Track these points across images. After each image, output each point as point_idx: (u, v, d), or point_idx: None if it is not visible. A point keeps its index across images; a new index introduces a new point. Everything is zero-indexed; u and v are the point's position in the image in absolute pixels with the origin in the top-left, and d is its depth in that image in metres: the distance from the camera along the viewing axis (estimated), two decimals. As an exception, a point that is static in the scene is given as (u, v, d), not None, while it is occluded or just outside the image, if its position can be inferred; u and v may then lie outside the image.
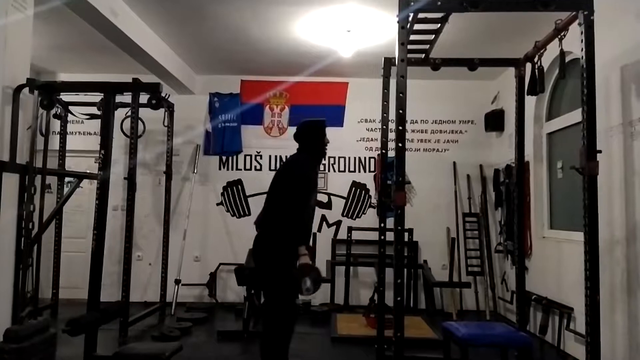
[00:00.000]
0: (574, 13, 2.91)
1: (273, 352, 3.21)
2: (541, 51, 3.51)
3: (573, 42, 3.03)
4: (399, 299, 2.81)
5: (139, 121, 5.07)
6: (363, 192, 6.48)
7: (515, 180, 4.06)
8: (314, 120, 3.54)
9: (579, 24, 2.82)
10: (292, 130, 6.48)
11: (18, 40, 3.41)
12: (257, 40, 5.20)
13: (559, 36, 3.18)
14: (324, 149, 3.44)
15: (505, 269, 5.92)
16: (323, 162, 3.40)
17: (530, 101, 4.64)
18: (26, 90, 3.55)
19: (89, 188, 6.05)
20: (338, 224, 6.44)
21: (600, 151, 2.79)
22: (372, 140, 6.44)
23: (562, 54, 3.20)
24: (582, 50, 2.80)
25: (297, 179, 3.23)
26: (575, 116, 4.24)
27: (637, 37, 3.41)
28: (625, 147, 3.52)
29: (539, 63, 3.54)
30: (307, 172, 3.30)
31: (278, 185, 3.32)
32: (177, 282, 5.87)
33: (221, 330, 4.86)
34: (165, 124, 5.81)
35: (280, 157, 6.44)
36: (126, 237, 4.93)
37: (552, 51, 3.44)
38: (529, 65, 3.69)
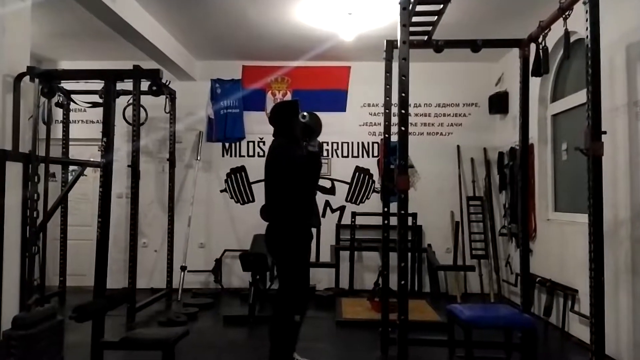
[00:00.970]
0: (578, -8, 2.86)
1: (283, 338, 3.26)
2: (545, 31, 3.46)
3: (577, 22, 2.99)
4: (403, 282, 2.83)
5: (141, 108, 5.06)
6: (367, 177, 6.47)
7: (519, 162, 4.04)
8: (285, 101, 3.59)
9: (584, 3, 2.77)
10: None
11: (17, 28, 3.40)
12: (257, 25, 5.15)
13: (564, 16, 3.12)
14: (298, 129, 3.43)
15: (509, 251, 5.92)
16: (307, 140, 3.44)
17: (534, 83, 4.59)
18: (27, 78, 3.54)
19: (93, 176, 6.07)
20: (342, 209, 6.44)
21: (605, 132, 2.77)
22: (375, 124, 6.41)
23: (567, 33, 3.15)
24: (586, 29, 2.76)
25: (282, 165, 3.29)
26: (580, 97, 4.19)
27: (643, 15, 3.36)
28: (630, 128, 3.49)
29: (543, 43, 3.49)
30: (288, 154, 3.32)
31: (268, 176, 3.38)
32: (183, 268, 5.92)
33: (227, 315, 4.91)
34: (167, 110, 5.79)
35: (283, 142, 6.43)
36: (131, 224, 4.96)
37: (556, 31, 3.38)
38: (533, 46, 3.63)
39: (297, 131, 3.41)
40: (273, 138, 3.49)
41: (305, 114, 3.41)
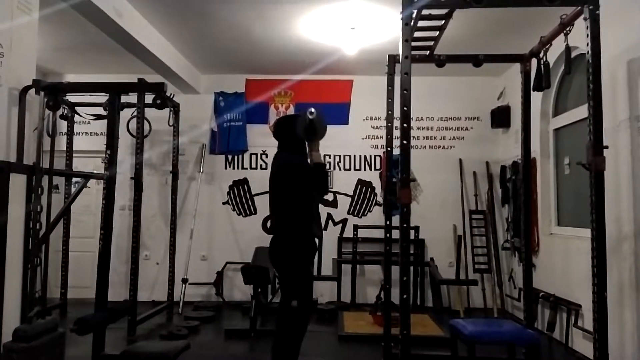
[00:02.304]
0: (579, 7, 2.89)
1: (286, 352, 3.25)
2: (546, 46, 3.49)
3: (579, 37, 3.01)
4: (405, 296, 2.81)
5: (145, 121, 5.09)
6: (369, 190, 6.47)
7: (522, 176, 4.04)
8: (288, 115, 3.63)
9: (585, 19, 2.80)
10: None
11: (23, 42, 3.44)
12: (261, 39, 5.21)
13: (565, 31, 3.15)
14: (303, 140, 3.47)
15: (512, 266, 5.89)
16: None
17: (536, 97, 4.61)
18: (32, 91, 3.57)
19: (96, 188, 6.09)
20: (344, 222, 6.43)
21: (607, 147, 2.77)
22: (377, 138, 6.43)
23: (568, 49, 3.18)
24: (587, 45, 2.78)
25: (293, 175, 3.32)
26: (582, 112, 4.20)
27: (644, 31, 3.38)
28: (633, 142, 3.49)
29: (544, 58, 3.51)
30: (298, 164, 3.37)
31: (275, 188, 3.38)
32: (185, 281, 5.90)
33: (229, 329, 4.88)
34: (171, 123, 5.83)
35: (286, 155, 6.46)
36: (133, 236, 4.96)
37: (557, 46, 3.41)
38: (534, 61, 3.66)
39: (303, 144, 3.45)
40: (277, 151, 3.53)
41: (313, 110, 3.39)
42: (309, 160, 3.44)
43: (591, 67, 2.77)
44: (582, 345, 4.14)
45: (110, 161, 3.60)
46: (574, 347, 4.29)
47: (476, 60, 3.86)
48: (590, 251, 2.76)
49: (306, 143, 3.46)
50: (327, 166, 6.36)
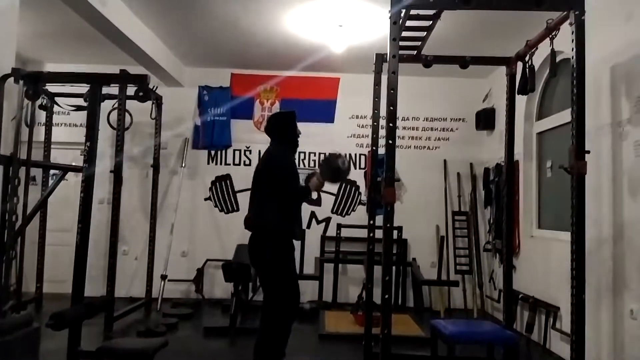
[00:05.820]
0: (565, 13, 2.91)
1: (269, 351, 3.22)
2: (532, 50, 3.51)
3: (564, 42, 3.04)
4: (386, 296, 2.80)
5: (126, 113, 5.00)
6: (353, 189, 6.46)
7: (504, 179, 4.07)
8: (284, 111, 3.64)
9: (570, 24, 2.82)
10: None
11: (3, 28, 3.34)
12: (248, 33, 5.15)
13: (550, 35, 3.18)
14: (297, 139, 3.52)
15: (493, 267, 5.94)
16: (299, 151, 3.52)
17: (521, 100, 4.64)
18: (11, 80, 3.48)
19: (74, 181, 5.95)
20: (327, 220, 6.41)
21: (588, 151, 2.80)
22: (363, 136, 6.43)
23: (553, 53, 3.20)
24: (572, 49, 2.81)
25: (281, 171, 3.29)
26: (565, 116, 4.24)
27: (627, 37, 3.42)
28: (614, 147, 3.54)
29: (530, 62, 3.54)
30: (288, 162, 3.37)
31: (262, 181, 3.35)
32: (164, 277, 5.82)
33: (208, 326, 4.83)
34: (153, 116, 5.74)
35: (270, 152, 6.43)
36: (112, 231, 4.88)
37: (543, 50, 3.43)
38: (520, 64, 3.68)
39: (296, 142, 3.49)
40: (268, 147, 3.50)
41: (345, 160, 3.47)
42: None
43: (575, 71, 2.79)
44: (560, 346, 4.19)
45: (90, 154, 3.53)
46: (551, 348, 4.35)
47: (463, 62, 3.88)
48: (569, 255, 2.79)
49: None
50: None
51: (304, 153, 6.43)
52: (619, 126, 3.49)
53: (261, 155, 3.66)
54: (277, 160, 3.37)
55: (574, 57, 2.80)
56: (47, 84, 4.44)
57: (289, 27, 4.91)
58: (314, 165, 6.39)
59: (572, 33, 2.81)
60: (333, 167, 3.45)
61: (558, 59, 3.67)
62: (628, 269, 3.37)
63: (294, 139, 3.50)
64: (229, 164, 6.48)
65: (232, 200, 6.40)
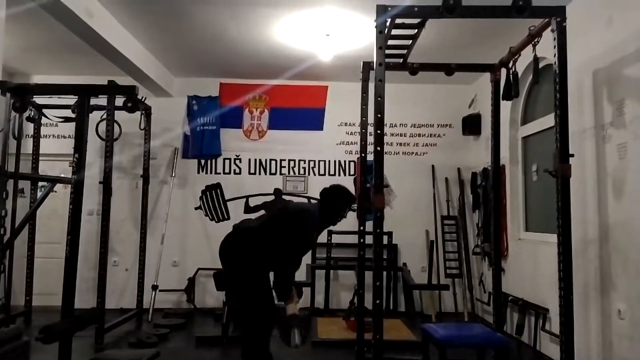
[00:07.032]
0: (547, 19, 2.98)
1: (255, 354, 3.21)
2: (516, 57, 3.58)
3: (546, 48, 3.11)
4: (378, 301, 2.83)
5: (115, 124, 4.99)
6: (343, 195, 6.47)
7: (491, 183, 4.12)
8: (347, 191, 3.56)
9: (552, 30, 2.89)
10: (272, 133, 6.46)
11: (-11, 41, 3.33)
12: (236, 43, 5.18)
13: (533, 42, 3.25)
14: (334, 221, 3.44)
15: (482, 270, 6.00)
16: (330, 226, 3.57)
17: (505, 105, 4.72)
18: (-2, 92, 3.47)
19: (63, 192, 5.93)
20: (318, 227, 6.42)
21: (572, 155, 2.86)
22: (351, 143, 6.47)
23: (536, 59, 3.28)
24: (555, 55, 2.87)
25: (296, 235, 3.21)
26: (549, 120, 4.31)
27: (608, 43, 3.51)
28: (598, 150, 3.61)
29: (513, 68, 3.61)
30: (311, 229, 3.32)
31: (281, 225, 3.27)
32: (155, 287, 5.78)
33: (200, 336, 4.80)
34: (142, 126, 5.73)
35: (260, 160, 6.44)
36: (101, 242, 4.85)
37: (526, 57, 3.51)
38: (504, 71, 3.75)
39: (333, 221, 3.43)
40: (314, 202, 3.48)
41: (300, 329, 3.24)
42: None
43: (558, 77, 2.86)
44: (550, 348, 4.24)
45: (79, 165, 3.51)
46: (541, 350, 4.39)
47: (448, 69, 3.94)
48: (556, 256, 2.84)
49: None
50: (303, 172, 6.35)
51: (294, 161, 6.46)
52: (602, 129, 3.56)
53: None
54: (306, 220, 3.30)
55: (557, 63, 2.87)
56: (34, 96, 4.43)
57: (277, 36, 4.95)
58: (304, 173, 6.42)
59: (554, 39, 2.88)
60: (284, 332, 3.18)
61: (541, 64, 3.75)
62: (614, 269, 3.43)
63: (332, 220, 3.41)
64: (219, 173, 6.48)
65: (223, 209, 6.37)
